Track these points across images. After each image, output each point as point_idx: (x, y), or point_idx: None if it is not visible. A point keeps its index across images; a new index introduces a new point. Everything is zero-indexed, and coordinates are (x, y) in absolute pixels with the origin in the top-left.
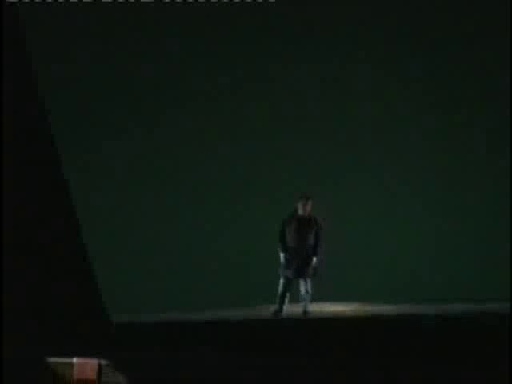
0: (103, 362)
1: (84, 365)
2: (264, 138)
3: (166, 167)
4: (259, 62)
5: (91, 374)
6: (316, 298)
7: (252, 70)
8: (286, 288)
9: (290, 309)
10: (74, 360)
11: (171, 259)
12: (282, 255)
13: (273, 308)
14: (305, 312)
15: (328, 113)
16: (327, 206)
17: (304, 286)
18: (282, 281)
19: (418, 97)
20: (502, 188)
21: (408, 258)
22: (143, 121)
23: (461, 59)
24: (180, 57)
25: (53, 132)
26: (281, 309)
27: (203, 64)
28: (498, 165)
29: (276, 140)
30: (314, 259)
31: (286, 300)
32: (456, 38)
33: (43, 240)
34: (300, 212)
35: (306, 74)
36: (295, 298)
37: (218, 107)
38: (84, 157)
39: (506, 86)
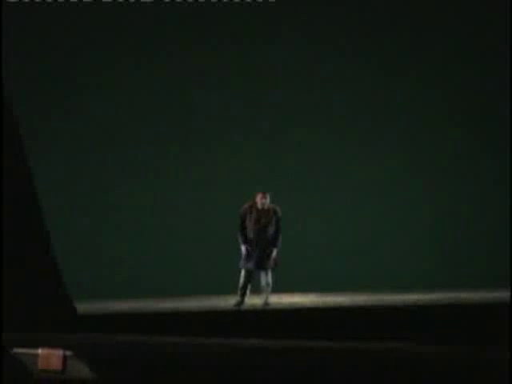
0: (68, 352)
1: (48, 355)
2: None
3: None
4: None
5: (56, 365)
6: (276, 289)
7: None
8: (247, 280)
9: (251, 300)
10: (39, 351)
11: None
12: (242, 247)
13: (234, 300)
14: (266, 303)
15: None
16: (288, 196)
17: (265, 278)
18: (243, 273)
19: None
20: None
21: (370, 247)
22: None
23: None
24: None
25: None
26: (242, 301)
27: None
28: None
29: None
30: (275, 250)
31: (248, 292)
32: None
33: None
34: (258, 206)
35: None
36: (257, 290)
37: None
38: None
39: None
